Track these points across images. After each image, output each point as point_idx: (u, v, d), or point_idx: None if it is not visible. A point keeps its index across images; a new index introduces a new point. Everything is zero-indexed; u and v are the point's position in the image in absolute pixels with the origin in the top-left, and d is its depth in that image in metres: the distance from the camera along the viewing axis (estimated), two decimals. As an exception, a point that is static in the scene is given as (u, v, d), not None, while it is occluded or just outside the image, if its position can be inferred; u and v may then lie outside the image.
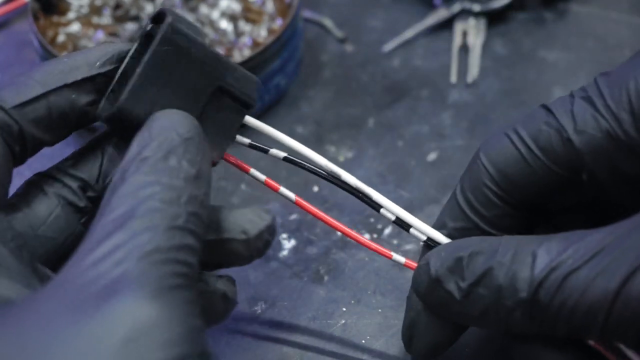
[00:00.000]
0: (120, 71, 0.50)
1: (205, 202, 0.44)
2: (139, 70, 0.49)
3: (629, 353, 0.52)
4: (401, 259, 0.56)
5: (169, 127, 0.46)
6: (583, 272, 0.47)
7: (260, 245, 0.49)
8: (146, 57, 0.49)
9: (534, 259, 0.49)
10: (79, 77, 0.49)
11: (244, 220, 0.49)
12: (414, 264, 0.55)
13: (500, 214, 0.54)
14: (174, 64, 0.50)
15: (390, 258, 0.56)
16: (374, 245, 0.56)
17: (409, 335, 0.56)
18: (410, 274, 0.55)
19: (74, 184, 0.51)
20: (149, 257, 0.40)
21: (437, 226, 0.56)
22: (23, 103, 0.48)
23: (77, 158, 0.52)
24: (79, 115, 0.50)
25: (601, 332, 0.47)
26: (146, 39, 0.50)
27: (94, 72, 0.50)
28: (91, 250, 0.41)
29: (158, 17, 0.50)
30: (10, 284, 0.43)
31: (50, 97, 0.49)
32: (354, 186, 0.56)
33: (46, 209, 0.50)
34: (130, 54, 0.51)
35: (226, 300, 0.51)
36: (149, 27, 0.50)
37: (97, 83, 0.50)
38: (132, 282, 0.39)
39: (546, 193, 0.54)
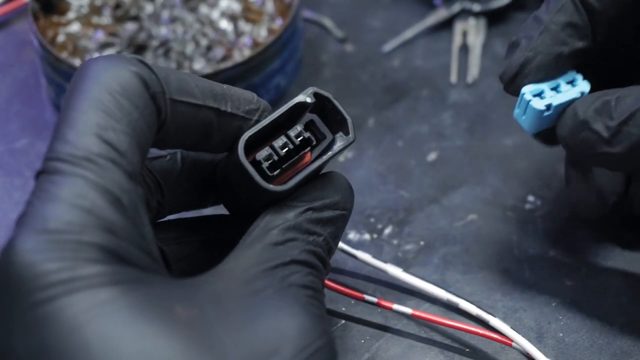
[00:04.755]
0: (264, 125, 0.50)
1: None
2: (308, 171, 0.50)
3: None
4: (373, 299, 0.59)
5: (338, 198, 0.51)
6: None
7: None
8: (322, 161, 0.51)
9: None
10: (229, 110, 0.50)
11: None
12: (388, 304, 0.59)
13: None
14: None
15: (362, 299, 0.60)
16: (347, 290, 0.60)
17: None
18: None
19: (151, 183, 0.51)
20: (306, 290, 0.47)
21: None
22: (180, 101, 0.48)
23: (156, 160, 0.52)
24: (206, 139, 0.50)
25: None
26: (297, 108, 0.51)
27: (241, 113, 0.50)
28: (259, 264, 0.47)
29: (319, 96, 0.51)
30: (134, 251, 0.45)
31: (200, 111, 0.49)
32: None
33: None
34: (277, 114, 0.51)
35: None
36: (308, 100, 0.51)
37: (236, 120, 0.50)
38: (300, 306, 0.46)
39: None
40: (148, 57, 0.72)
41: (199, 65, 0.72)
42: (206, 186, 0.54)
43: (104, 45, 0.73)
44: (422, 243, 0.65)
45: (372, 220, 0.67)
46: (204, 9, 0.75)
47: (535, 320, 0.61)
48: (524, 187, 0.69)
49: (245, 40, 0.74)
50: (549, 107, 0.54)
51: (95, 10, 0.76)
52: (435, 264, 0.64)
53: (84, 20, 0.75)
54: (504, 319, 0.59)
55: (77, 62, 0.72)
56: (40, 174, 0.44)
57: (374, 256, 0.62)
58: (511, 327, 0.58)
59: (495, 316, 0.59)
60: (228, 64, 0.70)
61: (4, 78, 0.77)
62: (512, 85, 0.56)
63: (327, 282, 0.59)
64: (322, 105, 0.51)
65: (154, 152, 0.50)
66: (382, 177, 0.70)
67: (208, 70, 0.71)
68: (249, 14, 0.75)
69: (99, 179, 0.43)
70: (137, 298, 0.42)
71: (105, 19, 0.75)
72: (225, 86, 0.50)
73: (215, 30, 0.74)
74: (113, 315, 0.41)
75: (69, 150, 0.44)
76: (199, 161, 0.54)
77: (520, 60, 0.54)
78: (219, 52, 0.73)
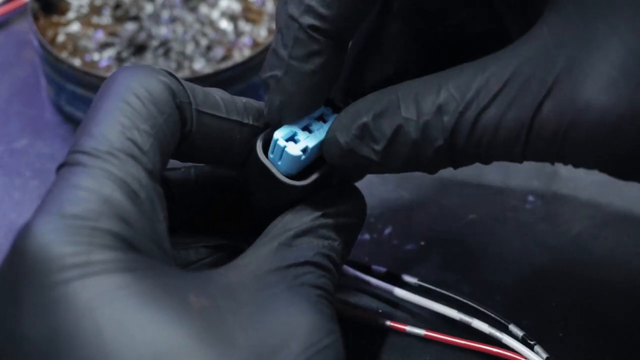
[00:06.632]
0: None
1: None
2: (324, 168, 0.52)
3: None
4: (385, 321, 0.59)
5: (351, 207, 0.53)
6: (492, 110, 0.47)
7: None
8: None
9: (439, 107, 0.48)
10: (250, 122, 0.51)
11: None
12: (401, 326, 0.59)
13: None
14: None
15: (375, 322, 0.59)
16: (360, 313, 0.60)
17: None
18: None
19: (166, 192, 0.51)
20: (318, 290, 0.48)
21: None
22: (206, 113, 0.49)
23: (170, 172, 0.53)
24: (228, 151, 0.51)
25: (522, 158, 0.48)
26: None
27: (261, 124, 0.51)
28: (273, 261, 0.48)
29: (331, 103, 0.53)
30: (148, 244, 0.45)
31: (224, 124, 0.50)
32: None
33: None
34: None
35: None
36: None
37: (258, 132, 0.51)
38: (310, 303, 0.47)
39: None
40: (148, 57, 0.73)
41: (199, 65, 0.72)
42: (219, 201, 0.55)
43: (104, 45, 0.73)
44: (422, 243, 0.65)
45: (372, 220, 0.67)
46: (204, 9, 0.75)
47: (535, 320, 0.61)
48: (524, 187, 0.69)
49: (245, 40, 0.74)
50: (305, 150, 0.51)
51: (95, 10, 0.76)
52: (435, 264, 0.64)
53: (84, 20, 0.75)
54: (503, 319, 0.59)
55: (77, 62, 0.72)
56: (61, 167, 0.45)
57: (388, 271, 0.62)
58: (521, 338, 0.58)
59: (507, 329, 0.58)
60: (228, 64, 0.70)
61: (4, 78, 0.77)
62: None
63: (339, 307, 0.60)
64: (336, 109, 0.53)
65: (171, 165, 0.50)
66: (382, 177, 0.70)
67: (208, 70, 0.71)
68: (249, 14, 0.75)
69: (119, 171, 0.44)
70: (150, 285, 0.42)
71: (105, 19, 0.75)
72: (244, 99, 0.51)
73: (215, 30, 0.74)
74: (126, 300, 0.41)
75: (92, 144, 0.45)
76: (213, 175, 0.54)
77: (277, 105, 0.50)
78: (219, 52, 0.73)
